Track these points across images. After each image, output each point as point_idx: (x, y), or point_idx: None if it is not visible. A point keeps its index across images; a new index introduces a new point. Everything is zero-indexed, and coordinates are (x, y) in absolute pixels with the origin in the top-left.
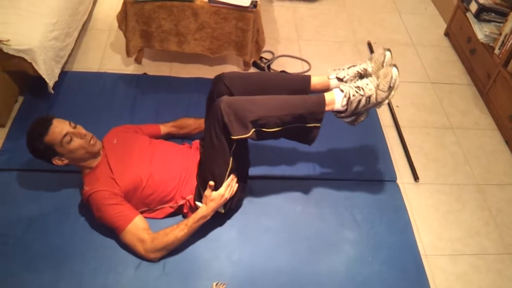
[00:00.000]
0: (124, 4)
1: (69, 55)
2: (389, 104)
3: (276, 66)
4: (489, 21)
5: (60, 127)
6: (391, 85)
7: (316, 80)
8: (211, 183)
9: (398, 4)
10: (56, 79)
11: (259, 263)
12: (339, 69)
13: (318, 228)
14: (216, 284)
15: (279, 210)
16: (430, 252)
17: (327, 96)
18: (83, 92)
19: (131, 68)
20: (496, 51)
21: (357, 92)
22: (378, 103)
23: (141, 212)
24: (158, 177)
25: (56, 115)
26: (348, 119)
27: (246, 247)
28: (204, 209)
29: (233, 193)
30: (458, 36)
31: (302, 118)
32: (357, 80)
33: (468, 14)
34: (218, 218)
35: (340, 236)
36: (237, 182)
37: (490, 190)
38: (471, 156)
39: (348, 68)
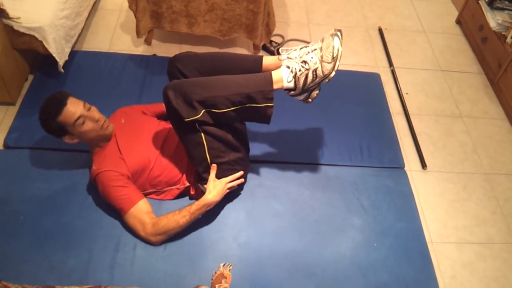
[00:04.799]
0: None
1: (79, 35)
2: (399, 91)
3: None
4: (502, 9)
5: (73, 109)
6: (334, 55)
7: (268, 61)
8: (214, 165)
9: None
10: (66, 58)
11: (266, 246)
12: (290, 50)
13: (325, 213)
14: (224, 265)
15: (287, 194)
16: (436, 240)
17: (274, 74)
18: (92, 72)
19: (141, 49)
20: (508, 40)
21: (302, 66)
22: (325, 76)
23: (149, 194)
24: (166, 158)
25: None
26: (301, 97)
27: (253, 230)
28: (209, 198)
29: (235, 185)
30: (470, 24)
31: (251, 98)
32: (304, 55)
33: (481, 2)
34: (226, 198)
35: (346, 221)
36: (234, 158)
37: (497, 180)
38: (479, 145)
39: (300, 48)
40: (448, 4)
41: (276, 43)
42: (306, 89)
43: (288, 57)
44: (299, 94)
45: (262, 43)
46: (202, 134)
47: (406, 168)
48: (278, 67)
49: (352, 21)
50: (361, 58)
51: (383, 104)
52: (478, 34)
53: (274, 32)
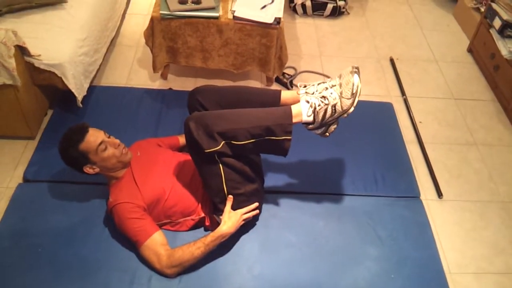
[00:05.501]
0: (152, 21)
1: (98, 70)
2: (412, 120)
3: (299, 82)
4: None
5: (95, 135)
6: (354, 92)
7: (286, 95)
8: (230, 196)
9: (420, 21)
10: (85, 93)
11: (280, 277)
12: (308, 85)
13: (340, 243)
14: None
15: (301, 225)
16: (454, 270)
17: (294, 108)
18: (110, 106)
19: (157, 83)
20: None
21: (322, 102)
22: (344, 112)
23: (164, 225)
24: (181, 189)
25: None
26: (319, 131)
27: (267, 261)
28: (224, 229)
29: (250, 217)
30: (481, 52)
31: (270, 130)
32: (323, 90)
33: (492, 31)
34: (240, 229)
35: (362, 252)
36: (250, 189)
37: None
38: (495, 172)
39: (318, 84)
40: (459, 33)
41: (288, 75)
42: (324, 124)
43: (306, 92)
44: (317, 128)
45: (275, 76)
46: (221, 166)
47: (422, 197)
48: (296, 101)
49: (363, 52)
50: (373, 88)
51: (397, 133)
52: (490, 62)
53: (286, 65)
